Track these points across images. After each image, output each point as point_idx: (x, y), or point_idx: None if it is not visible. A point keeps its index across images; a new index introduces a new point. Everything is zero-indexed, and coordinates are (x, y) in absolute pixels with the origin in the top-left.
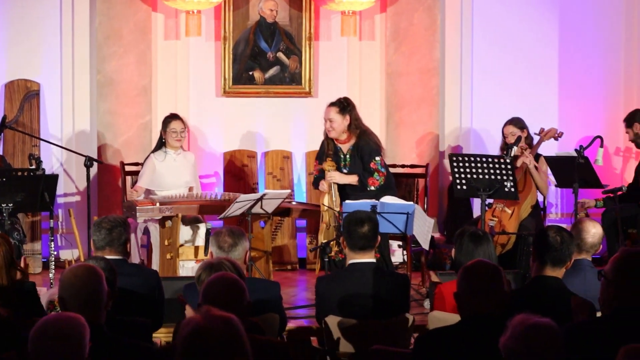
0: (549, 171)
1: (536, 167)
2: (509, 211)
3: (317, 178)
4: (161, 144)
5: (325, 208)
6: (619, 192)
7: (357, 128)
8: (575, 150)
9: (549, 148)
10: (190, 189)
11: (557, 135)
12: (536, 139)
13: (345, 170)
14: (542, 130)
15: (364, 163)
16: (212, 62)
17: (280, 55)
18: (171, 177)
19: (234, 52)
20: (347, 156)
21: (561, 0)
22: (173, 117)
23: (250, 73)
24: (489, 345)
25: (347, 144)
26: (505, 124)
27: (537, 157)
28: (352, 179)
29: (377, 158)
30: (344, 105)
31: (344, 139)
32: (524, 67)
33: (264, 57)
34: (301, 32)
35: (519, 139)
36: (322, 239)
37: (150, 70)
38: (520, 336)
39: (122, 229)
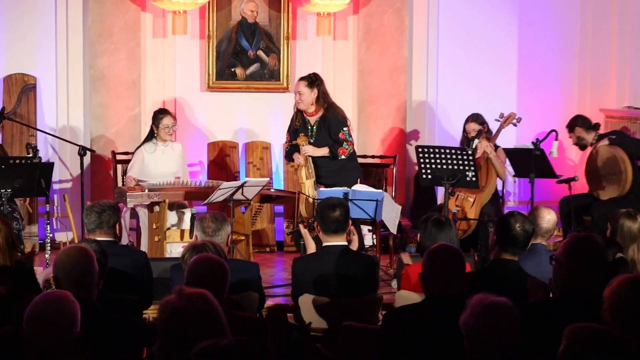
0: (507, 162)
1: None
2: (471, 199)
3: (289, 151)
4: (151, 136)
5: (304, 180)
6: (572, 182)
7: (324, 102)
8: (532, 142)
9: (508, 137)
10: (177, 178)
11: (516, 121)
12: (496, 126)
13: (311, 140)
14: (501, 115)
15: (332, 134)
16: (197, 59)
17: (260, 53)
18: (159, 167)
19: (217, 49)
20: (314, 127)
21: (521, 1)
22: (164, 112)
23: (233, 69)
24: (451, 322)
25: (315, 116)
26: (467, 121)
27: (495, 147)
28: (324, 151)
29: (345, 129)
30: (312, 80)
31: (312, 112)
32: (486, 65)
33: (245, 55)
34: (280, 31)
35: (479, 132)
36: (303, 210)
37: (140, 65)
38: (478, 314)
39: (112, 212)
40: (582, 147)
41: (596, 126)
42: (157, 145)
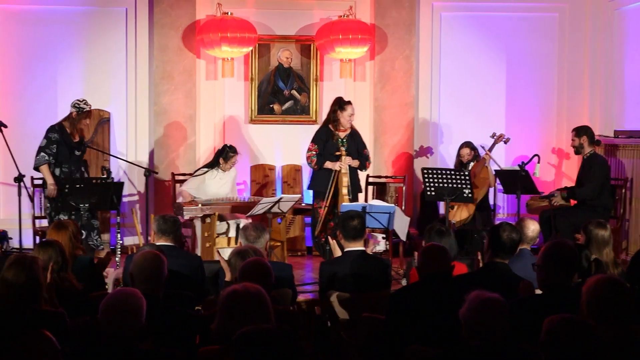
0: (497, 181)
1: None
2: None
3: (318, 158)
4: (216, 164)
5: (344, 184)
6: (551, 197)
7: None
8: (518, 165)
9: (498, 157)
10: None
11: (505, 140)
12: (490, 142)
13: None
14: (494, 134)
15: (359, 149)
16: (242, 97)
17: (294, 92)
18: (215, 189)
19: (258, 89)
20: (345, 141)
21: (507, 47)
22: (234, 151)
23: (271, 106)
24: (437, 294)
25: (345, 132)
26: (461, 147)
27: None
28: (357, 163)
29: (367, 147)
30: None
31: (345, 129)
32: (479, 101)
33: (281, 94)
34: (310, 74)
35: (474, 156)
36: (342, 201)
37: (195, 103)
38: (475, 308)
39: (175, 223)
40: (577, 152)
41: (598, 142)
42: (218, 172)
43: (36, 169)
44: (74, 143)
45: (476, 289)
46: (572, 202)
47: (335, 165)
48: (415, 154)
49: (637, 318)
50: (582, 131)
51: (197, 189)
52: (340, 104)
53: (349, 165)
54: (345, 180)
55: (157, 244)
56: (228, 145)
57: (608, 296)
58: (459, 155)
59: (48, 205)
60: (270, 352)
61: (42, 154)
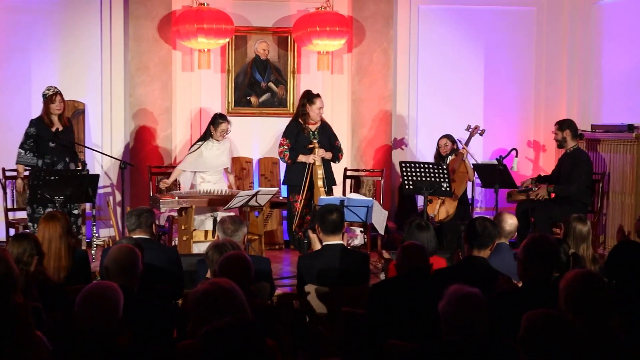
0: (475, 174)
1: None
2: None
3: (290, 152)
4: (208, 136)
5: (319, 176)
6: (530, 191)
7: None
8: (496, 159)
9: (476, 150)
10: (226, 169)
11: (480, 132)
12: (466, 135)
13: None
14: (469, 126)
15: (331, 141)
16: (219, 89)
17: (271, 84)
18: (213, 160)
19: (235, 81)
20: (316, 133)
21: (485, 40)
22: (224, 118)
23: (248, 98)
24: (415, 289)
25: (316, 125)
26: (441, 138)
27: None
28: (329, 155)
29: (338, 139)
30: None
31: (315, 122)
32: (457, 94)
33: (258, 86)
34: (287, 67)
35: (452, 150)
36: (319, 195)
37: (171, 95)
38: (454, 302)
39: (149, 215)
40: (560, 146)
41: (581, 136)
42: (212, 143)
43: (17, 164)
44: (50, 134)
45: (455, 283)
46: (552, 195)
47: (309, 158)
48: (393, 146)
49: (614, 313)
50: (564, 124)
51: (196, 163)
52: (309, 97)
53: (322, 158)
54: (320, 172)
55: (134, 237)
56: (218, 113)
57: (585, 291)
58: (438, 145)
59: (29, 197)
60: (237, 346)
61: (19, 150)
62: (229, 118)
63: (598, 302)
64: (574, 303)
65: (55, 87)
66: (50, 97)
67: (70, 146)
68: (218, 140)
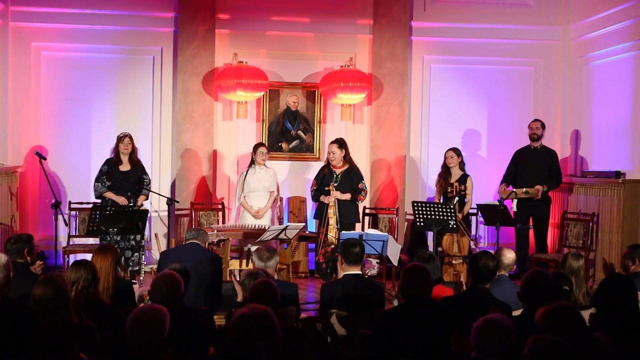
0: (479, 214)
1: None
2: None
3: (315, 193)
4: (251, 162)
5: (331, 215)
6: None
7: (348, 159)
8: (497, 200)
9: (481, 193)
10: (271, 193)
11: (460, 196)
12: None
13: (336, 185)
14: (454, 197)
15: (354, 183)
16: (254, 136)
17: (300, 132)
18: (256, 183)
19: (269, 129)
20: (339, 176)
21: (488, 95)
22: (261, 144)
23: (280, 144)
24: (419, 314)
25: (341, 169)
26: (448, 150)
27: (465, 177)
28: (347, 196)
29: (363, 181)
30: (341, 143)
31: (340, 165)
32: (463, 142)
33: (289, 134)
34: (314, 117)
35: (459, 162)
36: (331, 234)
37: (212, 140)
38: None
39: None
40: (536, 140)
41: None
42: (255, 169)
43: (97, 197)
44: (118, 172)
45: (461, 310)
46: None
47: (325, 199)
48: (407, 187)
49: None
50: (544, 124)
51: (243, 188)
52: (255, 148)
53: (338, 199)
54: (331, 211)
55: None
56: (258, 142)
57: (552, 321)
58: (445, 157)
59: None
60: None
61: (96, 184)
62: (265, 144)
63: (569, 336)
64: (545, 327)
65: (127, 132)
66: (120, 138)
67: (126, 185)
68: (260, 164)
